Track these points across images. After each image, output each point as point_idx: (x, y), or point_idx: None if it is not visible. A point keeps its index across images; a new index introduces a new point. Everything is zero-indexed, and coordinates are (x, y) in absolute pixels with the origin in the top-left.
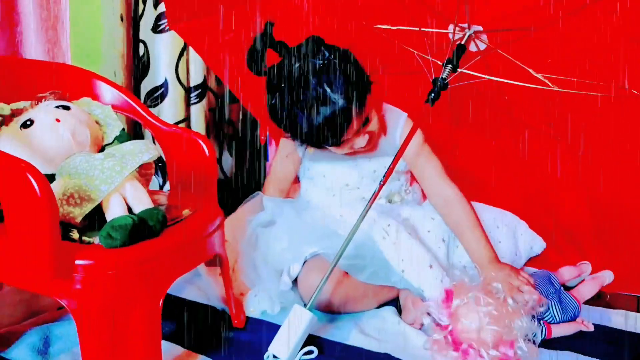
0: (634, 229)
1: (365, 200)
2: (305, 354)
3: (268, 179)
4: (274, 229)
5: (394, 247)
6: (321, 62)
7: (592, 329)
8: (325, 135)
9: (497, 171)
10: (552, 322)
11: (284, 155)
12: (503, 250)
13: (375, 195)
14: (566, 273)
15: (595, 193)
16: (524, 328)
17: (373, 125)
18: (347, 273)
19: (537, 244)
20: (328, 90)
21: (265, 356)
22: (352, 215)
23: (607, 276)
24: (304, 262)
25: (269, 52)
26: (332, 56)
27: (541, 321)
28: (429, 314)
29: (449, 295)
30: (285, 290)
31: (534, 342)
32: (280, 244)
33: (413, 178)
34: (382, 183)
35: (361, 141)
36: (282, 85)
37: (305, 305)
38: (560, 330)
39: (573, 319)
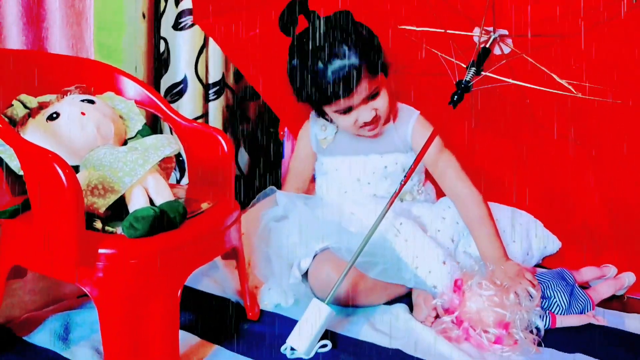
0: None
1: (377, 197)
2: (320, 347)
3: (287, 178)
4: (286, 223)
5: (407, 245)
6: (344, 29)
7: (603, 322)
8: (336, 88)
9: (517, 173)
10: (559, 313)
11: (300, 153)
12: (516, 249)
13: (395, 195)
14: (587, 273)
15: (616, 196)
16: (523, 319)
17: (380, 103)
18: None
19: (551, 244)
20: (345, 47)
21: (282, 348)
22: (363, 213)
23: (627, 278)
24: (314, 256)
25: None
26: (355, 27)
27: (547, 311)
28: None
29: (457, 284)
30: (297, 283)
31: (535, 332)
32: (292, 238)
33: (426, 178)
34: (402, 183)
35: (366, 113)
36: (305, 47)
37: (317, 298)
38: (566, 321)
39: (582, 313)
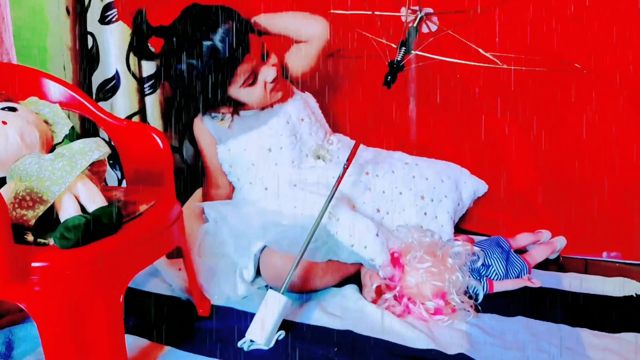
0: (582, 196)
1: (294, 165)
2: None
3: (208, 178)
4: (219, 235)
5: (340, 224)
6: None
7: (539, 285)
8: (234, 52)
9: (454, 146)
10: (497, 279)
11: (206, 149)
12: (447, 204)
13: (338, 181)
14: (522, 239)
15: (548, 164)
16: (459, 282)
17: (274, 58)
18: None
19: (480, 188)
20: (211, 34)
21: (241, 342)
22: (290, 204)
23: (559, 242)
24: (258, 259)
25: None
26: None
27: (484, 277)
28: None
29: (395, 257)
30: (247, 289)
31: (474, 297)
32: (228, 249)
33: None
34: (345, 167)
35: (271, 71)
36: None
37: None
38: (503, 286)
39: (518, 277)
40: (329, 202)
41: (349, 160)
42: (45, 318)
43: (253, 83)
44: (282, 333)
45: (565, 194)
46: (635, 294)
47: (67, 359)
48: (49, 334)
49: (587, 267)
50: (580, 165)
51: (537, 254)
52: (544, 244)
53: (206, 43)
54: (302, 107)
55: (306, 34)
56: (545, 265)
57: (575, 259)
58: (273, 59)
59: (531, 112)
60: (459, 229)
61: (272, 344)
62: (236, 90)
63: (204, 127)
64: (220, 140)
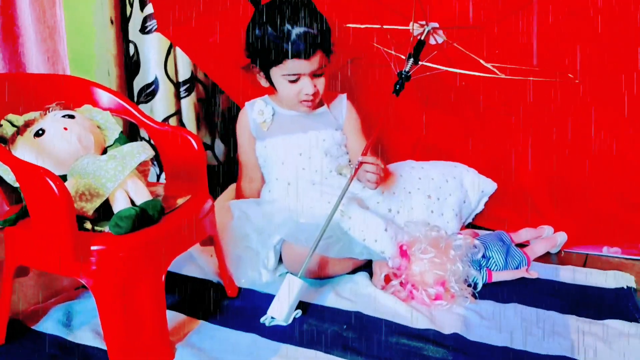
0: (583, 193)
1: (317, 173)
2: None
3: (240, 172)
4: (243, 229)
5: (352, 221)
6: (311, 7)
7: (535, 276)
8: (297, 47)
9: (463, 147)
10: (496, 270)
11: (244, 143)
12: (452, 201)
13: (350, 179)
14: (525, 234)
15: (551, 164)
16: (459, 271)
17: (321, 83)
18: None
19: (487, 186)
20: (311, 20)
21: (262, 318)
22: (307, 203)
23: (560, 237)
24: (279, 250)
25: None
26: (317, 10)
27: (484, 268)
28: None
29: (403, 249)
30: (271, 275)
31: (473, 285)
32: (251, 242)
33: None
34: (356, 168)
35: (310, 86)
36: (272, 12)
37: (291, 274)
38: (501, 276)
39: (517, 269)
40: (341, 198)
41: (366, 147)
42: (101, 291)
43: (293, 81)
44: (299, 312)
45: (567, 192)
46: (627, 285)
47: (119, 325)
48: (104, 305)
49: (586, 262)
50: (581, 165)
51: (538, 248)
52: (545, 238)
53: (287, 26)
54: (340, 137)
55: None
56: (545, 258)
57: (576, 253)
58: (320, 81)
59: (534, 116)
60: (471, 224)
61: (290, 321)
62: (276, 73)
63: (247, 122)
64: (259, 137)
